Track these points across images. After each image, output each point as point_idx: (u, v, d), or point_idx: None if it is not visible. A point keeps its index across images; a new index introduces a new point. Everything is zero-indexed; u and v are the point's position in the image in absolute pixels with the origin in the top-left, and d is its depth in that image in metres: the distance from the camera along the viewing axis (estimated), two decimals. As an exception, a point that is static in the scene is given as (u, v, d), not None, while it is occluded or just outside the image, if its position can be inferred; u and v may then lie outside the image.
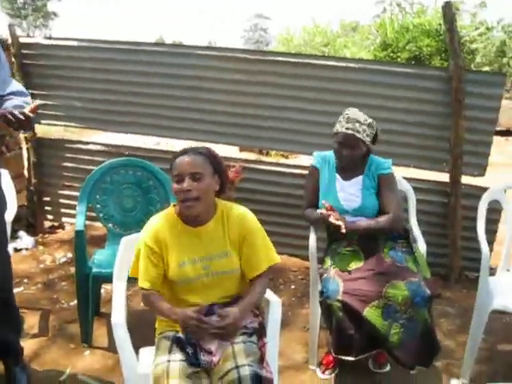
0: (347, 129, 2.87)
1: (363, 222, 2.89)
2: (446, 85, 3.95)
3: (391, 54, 15.60)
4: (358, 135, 2.86)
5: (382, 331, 2.61)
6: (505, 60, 23.96)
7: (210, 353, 2.04)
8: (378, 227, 2.89)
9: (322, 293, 2.73)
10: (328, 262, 2.90)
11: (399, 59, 15.10)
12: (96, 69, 4.61)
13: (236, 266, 2.23)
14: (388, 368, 3.08)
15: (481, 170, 4.09)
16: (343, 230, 2.75)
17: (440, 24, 15.39)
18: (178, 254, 2.18)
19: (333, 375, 3.03)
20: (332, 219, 2.76)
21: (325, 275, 2.82)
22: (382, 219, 2.89)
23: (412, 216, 3.34)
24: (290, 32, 18.61)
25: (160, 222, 2.23)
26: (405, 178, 3.50)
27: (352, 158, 2.94)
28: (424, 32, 15.96)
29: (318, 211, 2.90)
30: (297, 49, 16.81)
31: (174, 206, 2.27)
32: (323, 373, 3.05)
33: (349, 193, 2.98)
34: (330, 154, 3.10)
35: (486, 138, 4.05)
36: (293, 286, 4.13)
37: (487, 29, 25.06)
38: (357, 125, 2.87)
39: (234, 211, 2.27)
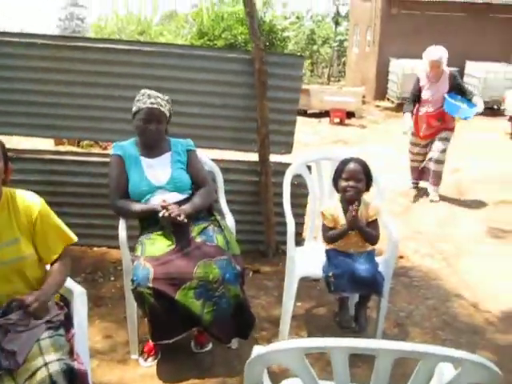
0: (152, 103, 2.96)
1: (190, 204, 2.95)
2: (249, 67, 4.08)
3: (208, 42, 15.85)
4: (163, 109, 2.99)
5: (195, 312, 2.65)
6: (315, 47, 25.64)
7: (12, 353, 1.90)
8: (204, 201, 3.04)
9: (132, 281, 2.69)
10: (139, 249, 2.87)
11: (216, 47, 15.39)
12: None
13: (27, 252, 2.13)
14: (210, 347, 3.14)
15: (288, 147, 4.30)
16: (181, 218, 2.78)
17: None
18: None
19: (155, 362, 3.01)
20: (174, 214, 2.78)
21: (135, 262, 2.78)
22: (203, 193, 3.05)
23: (221, 196, 3.43)
24: (104, 20, 18.03)
25: None
26: (214, 160, 3.57)
27: (158, 132, 3.02)
28: (238, 20, 16.41)
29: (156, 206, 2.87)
30: (110, 37, 16.33)
31: None
32: (145, 361, 3.02)
33: (157, 169, 3.03)
34: (128, 142, 3.14)
35: (289, 117, 4.27)
36: (112, 278, 4.02)
37: (298, 18, 26.64)
38: (159, 99, 3.00)
39: (19, 196, 2.17)
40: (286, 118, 4.24)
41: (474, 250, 5.04)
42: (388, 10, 16.69)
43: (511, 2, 16.81)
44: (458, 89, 6.28)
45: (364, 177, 2.98)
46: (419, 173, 6.81)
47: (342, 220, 2.97)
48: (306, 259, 3.23)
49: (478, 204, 6.50)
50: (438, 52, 6.16)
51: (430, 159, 6.50)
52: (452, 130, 6.43)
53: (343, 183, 2.96)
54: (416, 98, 6.46)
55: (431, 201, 6.48)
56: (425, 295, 4.07)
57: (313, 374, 1.39)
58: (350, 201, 2.96)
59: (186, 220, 2.79)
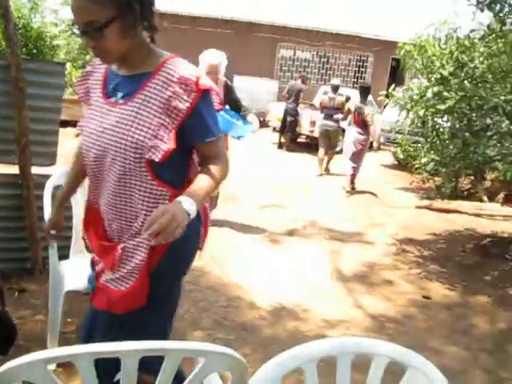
0: None
1: None
2: (5, 74, 3.83)
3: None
4: None
5: None
6: (88, 57, 24.94)
7: None
8: None
9: None
10: None
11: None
12: None
13: None
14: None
15: (51, 158, 4.12)
16: None
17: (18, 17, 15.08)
18: None
19: None
20: None
21: None
22: None
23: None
24: None
25: None
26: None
27: None
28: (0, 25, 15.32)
29: None
30: None
31: None
32: None
33: None
34: None
35: (52, 127, 4.09)
36: None
37: (68, 25, 25.67)
38: None
39: None
40: (48, 127, 4.06)
41: (243, 252, 5.37)
42: (159, 23, 16.94)
43: (271, 22, 18.25)
44: (232, 102, 5.57)
45: None
46: None
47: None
48: (72, 272, 3.13)
49: (246, 209, 6.94)
50: (218, 55, 5.47)
51: None
52: (227, 148, 5.61)
53: None
54: None
55: None
56: (196, 298, 4.21)
57: (61, 385, 1.36)
58: None
59: None
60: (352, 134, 9.02)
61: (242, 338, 3.74)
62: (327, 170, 10.50)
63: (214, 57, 5.45)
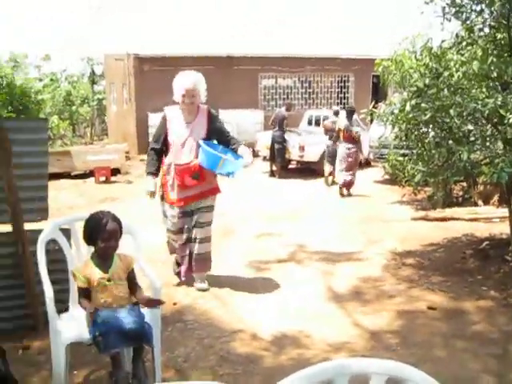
0: None
1: None
2: (-12, 136, 3.87)
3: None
4: None
5: None
6: (73, 108, 25.19)
7: None
8: None
9: None
10: None
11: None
12: None
13: None
14: None
15: (43, 213, 4.13)
16: None
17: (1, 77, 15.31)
18: None
19: None
20: None
21: None
22: None
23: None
24: None
25: None
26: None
27: None
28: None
29: None
30: None
31: None
32: None
33: None
34: None
35: (40, 182, 4.11)
36: None
37: (52, 80, 25.99)
38: None
39: None
40: (36, 183, 4.08)
41: (243, 284, 5.35)
42: (140, 67, 17.17)
43: (250, 54, 18.49)
44: (218, 133, 4.74)
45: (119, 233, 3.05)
46: (184, 259, 5.02)
47: (97, 276, 2.97)
48: (73, 324, 3.13)
49: (244, 241, 6.94)
50: (193, 78, 4.64)
51: (193, 239, 4.87)
52: (216, 191, 4.89)
53: (103, 244, 2.98)
54: (162, 146, 4.72)
55: (199, 289, 5.01)
56: (200, 336, 4.20)
57: None
58: (106, 257, 3.01)
59: None
60: (342, 149, 10.46)
61: (250, 370, 3.73)
62: (333, 182, 11.33)
63: (189, 80, 4.66)
